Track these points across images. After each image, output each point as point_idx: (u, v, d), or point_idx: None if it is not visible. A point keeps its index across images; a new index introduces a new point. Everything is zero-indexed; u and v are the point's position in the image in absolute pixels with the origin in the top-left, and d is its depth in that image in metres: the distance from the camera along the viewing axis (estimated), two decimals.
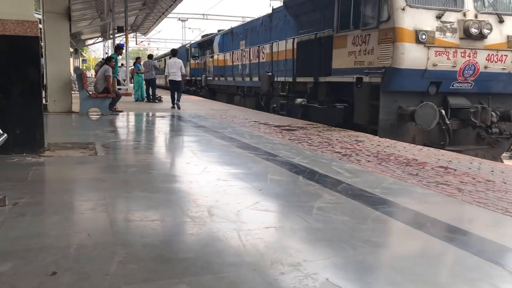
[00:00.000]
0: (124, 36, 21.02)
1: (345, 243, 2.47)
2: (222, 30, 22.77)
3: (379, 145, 6.25)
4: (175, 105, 12.96)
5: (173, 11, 25.25)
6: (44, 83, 10.57)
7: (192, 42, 26.90)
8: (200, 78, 23.31)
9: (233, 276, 2.03)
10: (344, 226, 2.76)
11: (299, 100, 10.89)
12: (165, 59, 34.67)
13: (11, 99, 4.81)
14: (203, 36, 26.39)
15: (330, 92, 9.68)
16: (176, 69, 13.27)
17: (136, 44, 49.19)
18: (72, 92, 11.20)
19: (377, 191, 3.62)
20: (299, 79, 11.09)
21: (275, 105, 12.89)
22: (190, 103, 16.00)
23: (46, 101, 10.23)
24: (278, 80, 12.43)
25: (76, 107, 10.56)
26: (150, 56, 18.36)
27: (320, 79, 9.96)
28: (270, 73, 12.89)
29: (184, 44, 30.02)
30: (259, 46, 14.46)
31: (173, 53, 14.51)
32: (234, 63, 17.49)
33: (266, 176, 4.18)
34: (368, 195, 3.50)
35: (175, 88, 13.26)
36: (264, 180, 4.00)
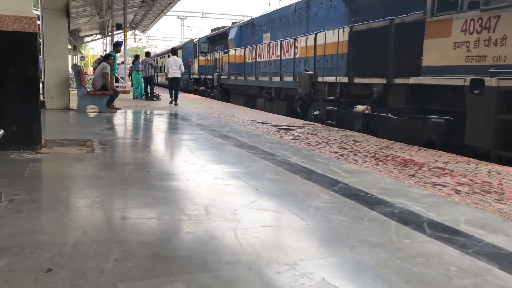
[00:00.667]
0: (122, 33, 21.00)
1: (341, 242, 2.47)
2: (238, 22, 20.07)
3: (376, 145, 6.26)
4: (173, 101, 13.86)
5: (172, 9, 25.26)
6: (42, 80, 10.55)
7: (202, 36, 24.11)
8: (211, 76, 20.29)
9: (229, 275, 2.03)
10: (341, 225, 2.76)
11: (360, 108, 8.37)
12: (169, 55, 34.40)
13: (9, 95, 4.79)
14: (213, 30, 23.52)
15: (412, 98, 7.34)
16: (175, 67, 14.11)
17: (135, 41, 49.07)
18: (70, 89, 11.17)
19: (374, 191, 3.62)
20: (358, 80, 8.63)
21: (317, 112, 10.29)
22: (189, 101, 15.99)
23: (44, 97, 10.20)
24: (324, 80, 9.88)
25: (74, 104, 10.54)
26: (147, 54, 18.33)
27: (395, 80, 7.56)
28: (311, 72, 10.41)
29: (191, 39, 27.77)
30: (293, 39, 11.71)
31: (173, 51, 15.71)
32: (257, 60, 14.75)
33: (263, 175, 4.17)
34: (365, 195, 3.50)
35: (174, 84, 14.15)
36: (261, 179, 4.00)
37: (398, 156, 5.35)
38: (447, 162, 5.04)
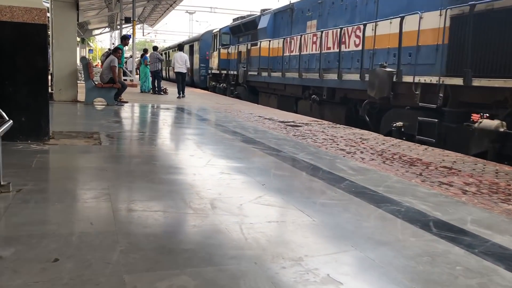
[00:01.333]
0: (131, 27, 21.02)
1: (347, 239, 2.47)
2: (268, 9, 16.46)
3: (384, 144, 6.23)
4: (181, 95, 14.81)
5: (181, 4, 25.22)
6: (50, 72, 10.59)
7: (223, 26, 21.02)
8: (234, 72, 17.60)
9: (234, 269, 2.03)
10: (347, 222, 2.76)
11: (490, 124, 5.97)
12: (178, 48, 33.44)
13: (17, 87, 4.82)
14: (235, 19, 20.73)
15: None
16: (182, 62, 15.04)
17: (143, 35, 49.13)
18: (78, 81, 11.22)
19: (380, 189, 3.61)
20: (478, 82, 6.11)
21: (401, 123, 7.71)
22: (196, 96, 16.01)
23: (52, 89, 10.25)
24: (415, 81, 7.23)
25: (81, 96, 10.58)
26: (155, 48, 18.33)
27: None
28: (391, 69, 7.78)
29: (210, 29, 24.89)
30: (362, 25, 8.94)
31: (180, 47, 16.98)
32: (301, 52, 11.88)
33: (269, 171, 4.17)
34: (372, 193, 3.49)
35: (182, 79, 15.08)
36: (267, 175, 4.00)
37: (405, 155, 5.33)
38: (454, 161, 5.02)
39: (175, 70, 15.13)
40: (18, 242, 2.19)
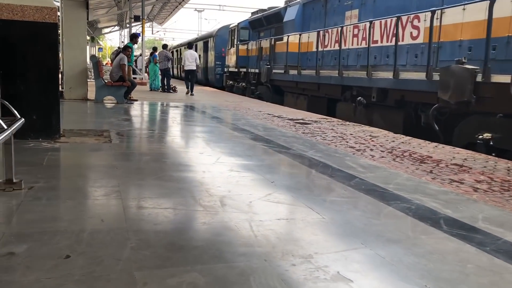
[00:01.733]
0: (140, 25, 21.11)
1: (357, 237, 2.46)
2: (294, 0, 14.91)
3: (393, 141, 6.20)
4: (190, 92, 15.21)
5: (189, 2, 25.30)
6: (61, 70, 10.67)
7: (241, 21, 19.25)
8: (255, 70, 16.05)
9: (244, 266, 2.04)
10: (356, 220, 2.75)
11: None
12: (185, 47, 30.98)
13: (28, 85, 4.86)
14: (254, 13, 19.07)
15: None
16: (192, 60, 15.40)
17: (152, 33, 49.30)
18: (88, 80, 11.30)
19: (390, 187, 3.59)
20: None
21: (489, 134, 6.05)
22: (205, 94, 16.05)
23: (62, 88, 10.33)
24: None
25: (91, 94, 10.65)
26: (164, 46, 18.37)
27: None
28: (472, 67, 6.16)
29: (226, 24, 23.01)
30: (430, 12, 7.17)
31: (190, 45, 17.75)
32: (341, 47, 10.36)
33: (278, 168, 4.17)
34: (381, 191, 3.48)
35: (191, 76, 15.55)
36: (277, 172, 4.00)
37: (416, 152, 5.30)
38: (465, 159, 4.97)
39: (185, 68, 15.54)
40: (30, 239, 2.21)
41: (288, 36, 13.08)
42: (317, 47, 11.58)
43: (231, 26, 20.67)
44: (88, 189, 3.28)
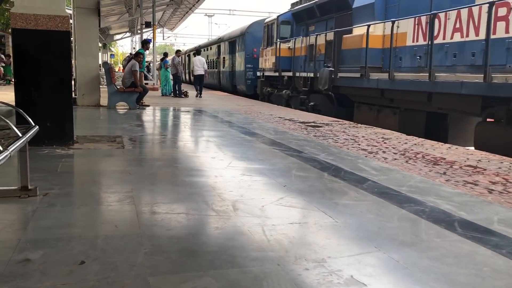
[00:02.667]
0: (151, 31, 21.28)
1: (370, 240, 2.45)
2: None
3: (406, 143, 6.16)
4: (199, 95, 15.92)
5: (199, 7, 25.41)
6: (74, 77, 10.80)
7: (281, 13, 15.56)
8: (303, 74, 12.87)
9: (257, 271, 2.04)
10: (370, 223, 2.74)
11: None
12: (197, 51, 30.62)
13: (42, 92, 4.92)
14: (295, 4, 15.44)
15: None
16: (200, 65, 15.98)
17: (163, 39, 49.64)
18: (100, 86, 11.41)
19: (403, 189, 3.57)
20: None
21: None
22: (216, 98, 16.10)
23: (75, 94, 10.44)
24: None
25: (104, 101, 10.75)
26: (177, 52, 18.43)
27: None
28: None
29: (260, 19, 19.67)
30: None
31: (198, 52, 17.45)
32: (465, 37, 7.28)
33: (290, 172, 4.17)
34: (395, 193, 3.45)
35: (199, 80, 16.12)
36: (289, 176, 3.99)
37: (429, 154, 5.25)
38: (479, 160, 4.92)
39: (195, 73, 16.20)
40: (45, 245, 2.24)
41: (369, 25, 9.36)
42: (431, 39, 7.86)
43: (266, 20, 16.95)
44: (102, 195, 3.31)
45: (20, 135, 2.77)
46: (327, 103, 11.64)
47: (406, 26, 8.80)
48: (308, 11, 13.64)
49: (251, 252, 2.25)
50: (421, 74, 7.99)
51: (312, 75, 12.20)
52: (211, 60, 26.47)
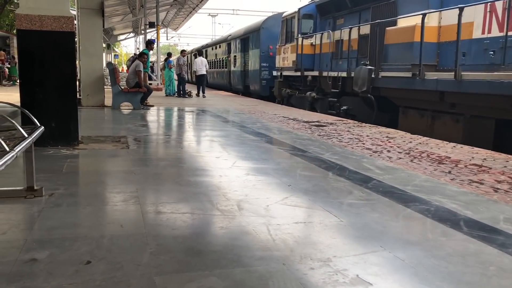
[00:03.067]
0: (155, 31, 21.32)
1: (375, 240, 2.45)
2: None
3: (411, 142, 6.14)
4: (202, 95, 16.47)
5: (203, 7, 25.42)
6: (78, 78, 10.84)
7: (303, 5, 13.90)
8: (331, 73, 11.21)
9: (262, 270, 2.04)
10: (375, 223, 2.73)
11: None
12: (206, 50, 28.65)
13: (47, 93, 4.94)
14: None
15: None
16: (202, 66, 16.61)
17: (167, 39, 49.72)
18: (105, 86, 11.44)
19: (408, 189, 3.56)
20: None
21: None
22: (220, 98, 16.11)
23: (80, 95, 10.48)
24: None
25: (108, 101, 10.78)
26: (182, 52, 18.37)
27: None
28: None
29: (276, 13, 17.97)
30: None
31: (199, 53, 18.47)
32: None
33: (295, 171, 4.17)
34: (400, 192, 3.45)
35: (201, 80, 16.84)
36: (293, 176, 3.99)
37: (434, 153, 5.24)
38: (485, 159, 4.90)
39: (197, 74, 16.74)
40: (52, 245, 2.25)
41: (424, 14, 7.65)
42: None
43: (285, 14, 15.06)
44: (107, 195, 3.32)
45: (26, 135, 2.78)
46: (363, 107, 9.89)
47: (472, 14, 7.13)
48: (336, 2, 11.97)
49: (256, 251, 2.25)
50: (497, 73, 6.39)
51: (344, 74, 10.51)
52: (220, 59, 25.15)
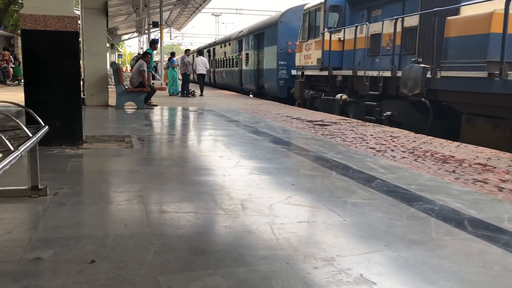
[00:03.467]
0: (159, 31, 21.34)
1: (379, 239, 2.44)
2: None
3: (415, 141, 6.13)
4: (200, 93, 16.87)
5: (206, 6, 25.42)
6: (82, 78, 10.86)
7: None
8: (379, 73, 9.26)
9: (266, 269, 2.04)
10: (379, 222, 2.73)
11: None
12: (214, 48, 27.90)
13: (52, 93, 4.96)
14: None
15: None
16: (202, 65, 17.03)
17: (171, 39, 49.76)
18: (109, 86, 11.46)
19: (412, 188, 3.55)
20: None
21: None
22: (223, 98, 16.12)
23: (84, 95, 10.51)
24: None
25: (112, 101, 10.81)
26: (187, 51, 18.32)
27: None
28: None
29: (296, 6, 15.88)
30: None
31: (200, 52, 18.83)
32: None
33: (298, 170, 4.16)
34: (403, 192, 3.44)
35: (202, 79, 17.30)
36: (297, 175, 3.99)
37: (438, 152, 5.22)
38: (489, 158, 4.88)
39: (197, 72, 17.02)
40: (56, 244, 2.26)
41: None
42: None
43: (307, 6, 13.38)
44: (111, 194, 3.33)
45: (30, 135, 2.79)
46: (413, 113, 8.31)
47: None
48: None
49: (260, 250, 2.25)
50: None
51: (388, 74, 8.89)
52: (229, 58, 23.34)
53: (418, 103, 8.07)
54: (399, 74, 8.38)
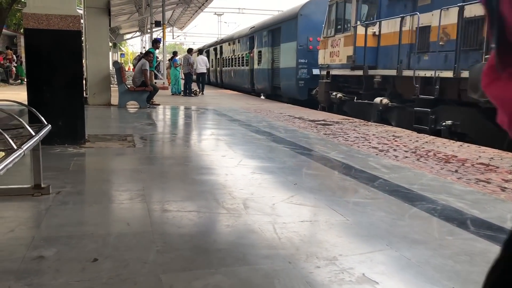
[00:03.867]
0: (161, 30, 21.35)
1: (382, 238, 2.44)
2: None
3: (417, 141, 6.12)
4: (201, 92, 17.05)
5: (209, 6, 25.39)
6: (85, 77, 10.88)
7: None
8: (435, 73, 7.52)
9: (268, 268, 2.04)
10: (381, 221, 2.73)
11: None
12: (219, 47, 27.18)
13: (54, 92, 4.97)
14: None
15: None
16: (203, 64, 17.16)
17: (173, 38, 49.77)
18: (111, 85, 11.47)
19: (415, 187, 3.55)
20: None
21: None
22: (226, 97, 16.12)
23: (86, 94, 10.52)
24: None
25: (115, 100, 10.82)
26: (189, 51, 18.27)
27: None
28: None
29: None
30: None
31: (200, 51, 18.98)
32: None
33: (301, 170, 4.16)
34: (406, 191, 3.44)
35: (202, 78, 17.43)
36: (299, 174, 3.99)
37: (440, 152, 5.21)
38: (492, 158, 4.87)
39: (197, 71, 16.96)
40: (59, 243, 2.26)
41: None
42: None
43: None
44: (114, 193, 3.34)
45: (33, 133, 2.80)
46: (485, 124, 6.69)
47: None
48: None
49: (262, 250, 2.25)
50: None
51: (449, 74, 7.37)
52: (238, 56, 21.66)
53: (491, 111, 6.40)
54: (464, 74, 6.96)
